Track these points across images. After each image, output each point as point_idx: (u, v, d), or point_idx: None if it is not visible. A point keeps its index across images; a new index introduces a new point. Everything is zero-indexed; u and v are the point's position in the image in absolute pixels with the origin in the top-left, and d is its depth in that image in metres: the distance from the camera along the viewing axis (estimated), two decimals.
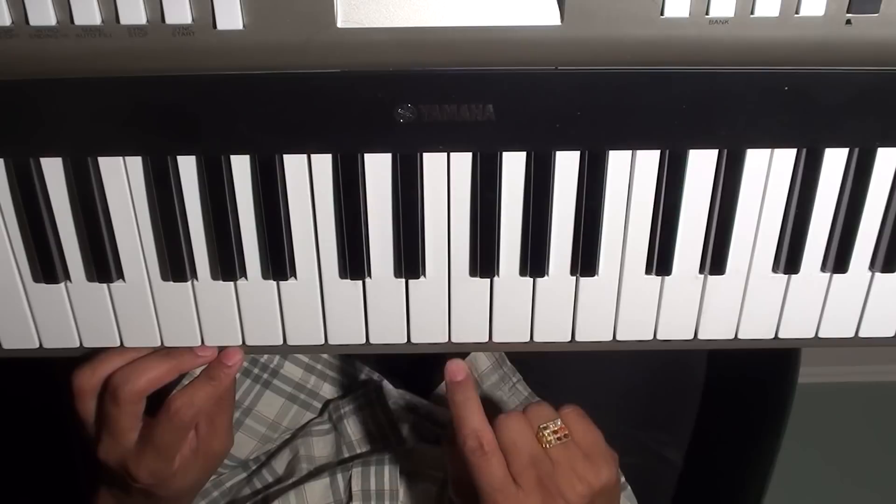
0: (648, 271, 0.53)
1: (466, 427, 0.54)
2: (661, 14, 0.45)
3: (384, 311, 0.54)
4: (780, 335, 0.56)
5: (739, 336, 0.56)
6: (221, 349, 0.56)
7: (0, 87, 0.46)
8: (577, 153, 0.49)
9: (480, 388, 0.75)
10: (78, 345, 0.55)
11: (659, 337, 0.56)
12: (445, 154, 0.49)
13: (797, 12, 0.45)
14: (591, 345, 0.56)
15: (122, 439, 0.56)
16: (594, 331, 0.55)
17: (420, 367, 0.77)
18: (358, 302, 0.54)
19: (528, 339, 0.56)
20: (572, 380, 0.77)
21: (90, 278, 0.53)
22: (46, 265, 0.52)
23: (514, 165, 0.50)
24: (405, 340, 0.56)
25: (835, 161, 0.50)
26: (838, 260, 0.52)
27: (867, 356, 1.90)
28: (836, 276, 0.53)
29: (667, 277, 0.53)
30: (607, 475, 0.56)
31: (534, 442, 0.55)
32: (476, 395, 0.55)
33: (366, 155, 0.49)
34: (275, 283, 0.53)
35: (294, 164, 0.49)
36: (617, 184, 0.50)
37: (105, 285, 0.53)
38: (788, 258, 0.52)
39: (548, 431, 0.55)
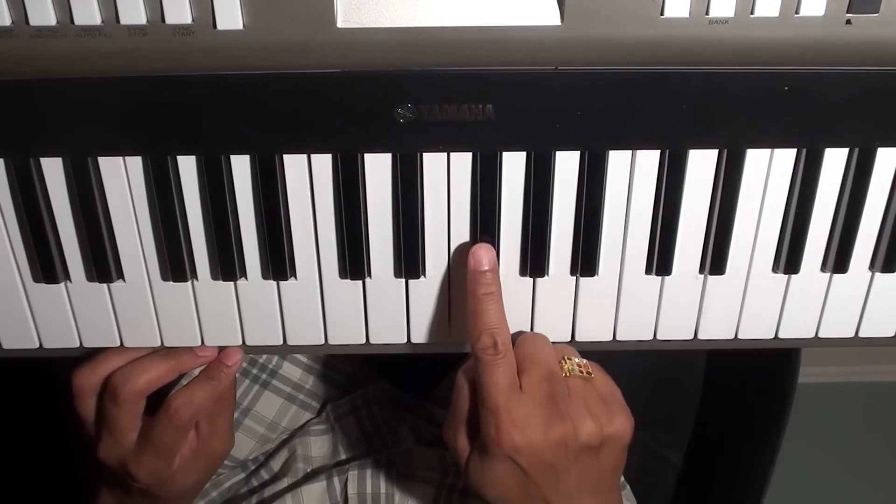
0: (648, 271, 0.53)
1: (482, 323, 0.49)
2: (661, 14, 0.45)
3: (384, 311, 0.54)
4: (780, 335, 0.56)
5: (739, 336, 0.56)
6: (221, 349, 0.56)
7: (0, 87, 0.46)
8: (577, 153, 0.49)
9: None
10: (78, 345, 0.55)
11: (659, 337, 0.56)
12: (445, 154, 0.49)
13: (797, 12, 0.45)
14: (591, 345, 0.56)
15: (121, 439, 0.56)
16: (594, 331, 0.55)
17: (420, 367, 0.77)
18: (358, 302, 0.54)
19: None
20: None
21: (90, 278, 0.53)
22: (46, 265, 0.52)
23: (514, 165, 0.50)
24: (405, 340, 0.56)
25: (835, 161, 0.50)
26: (838, 260, 0.52)
27: (867, 356, 1.90)
28: (836, 276, 0.53)
29: (667, 277, 0.53)
30: (620, 425, 0.51)
31: (554, 362, 0.51)
32: (499, 291, 0.50)
33: (366, 155, 0.49)
34: (275, 283, 0.53)
35: (294, 164, 0.49)
36: (617, 184, 0.50)
37: (105, 285, 0.53)
38: (788, 258, 0.52)
39: (572, 363, 0.52)
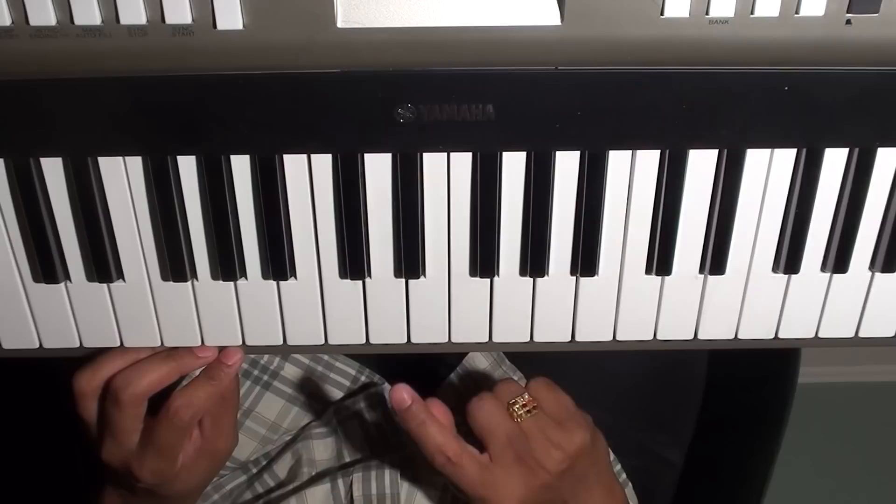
0: (648, 271, 0.53)
1: (430, 446, 0.55)
2: (661, 14, 0.45)
3: (384, 311, 0.54)
4: (780, 335, 0.56)
5: (739, 336, 0.56)
6: (221, 349, 0.56)
7: (0, 87, 0.46)
8: (577, 153, 0.49)
9: (480, 389, 0.75)
10: (78, 345, 0.55)
11: (659, 337, 0.56)
12: (445, 154, 0.49)
13: (797, 12, 0.45)
14: (591, 345, 0.56)
15: (124, 441, 0.56)
16: (594, 331, 0.55)
17: (420, 367, 0.77)
18: (358, 302, 0.54)
19: (528, 339, 0.56)
20: (572, 380, 0.77)
21: (90, 278, 0.53)
22: (46, 265, 0.52)
23: (514, 165, 0.50)
24: (405, 340, 0.56)
25: (835, 161, 0.50)
26: (838, 260, 0.52)
27: (867, 356, 1.90)
28: (836, 276, 0.53)
29: (667, 277, 0.53)
30: (581, 438, 0.57)
31: (507, 420, 0.56)
32: (428, 413, 0.56)
33: (366, 155, 0.49)
34: (275, 283, 0.53)
35: (294, 164, 0.49)
36: (617, 184, 0.50)
37: (105, 285, 0.53)
38: (788, 258, 0.52)
39: (517, 406, 0.57)
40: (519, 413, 0.56)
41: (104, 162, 0.49)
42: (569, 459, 0.56)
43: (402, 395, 0.56)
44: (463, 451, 0.56)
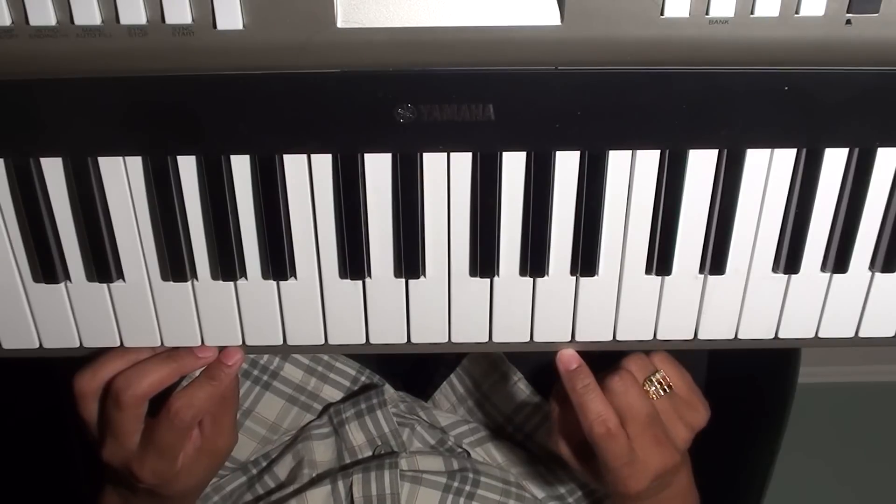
0: (648, 271, 0.53)
1: (591, 413, 0.55)
2: (661, 14, 0.45)
3: (384, 311, 0.54)
4: (780, 335, 0.56)
5: (739, 336, 0.56)
6: (221, 349, 0.56)
7: (0, 87, 0.46)
8: (577, 153, 0.49)
9: (480, 389, 0.75)
10: (78, 345, 0.55)
11: (659, 337, 0.56)
12: (445, 154, 0.49)
13: (797, 12, 0.45)
14: (591, 345, 0.56)
15: (125, 441, 0.56)
16: (594, 331, 0.55)
17: (420, 367, 0.77)
18: (358, 302, 0.54)
19: (528, 339, 0.56)
20: None
21: (90, 278, 0.53)
22: (46, 265, 0.52)
23: (514, 165, 0.50)
24: (405, 340, 0.56)
25: (835, 161, 0.50)
26: (838, 260, 0.52)
27: (867, 356, 1.90)
28: (836, 276, 0.53)
29: (667, 277, 0.53)
30: (705, 415, 0.60)
31: (647, 402, 0.56)
32: (593, 379, 0.56)
33: (366, 155, 0.49)
34: (275, 283, 0.53)
35: (294, 164, 0.49)
36: (617, 184, 0.50)
37: (105, 285, 0.53)
38: (788, 258, 0.52)
39: (653, 386, 0.58)
40: (656, 392, 0.58)
41: (104, 162, 0.49)
42: (692, 437, 0.58)
43: (572, 356, 0.56)
44: (620, 425, 0.56)
